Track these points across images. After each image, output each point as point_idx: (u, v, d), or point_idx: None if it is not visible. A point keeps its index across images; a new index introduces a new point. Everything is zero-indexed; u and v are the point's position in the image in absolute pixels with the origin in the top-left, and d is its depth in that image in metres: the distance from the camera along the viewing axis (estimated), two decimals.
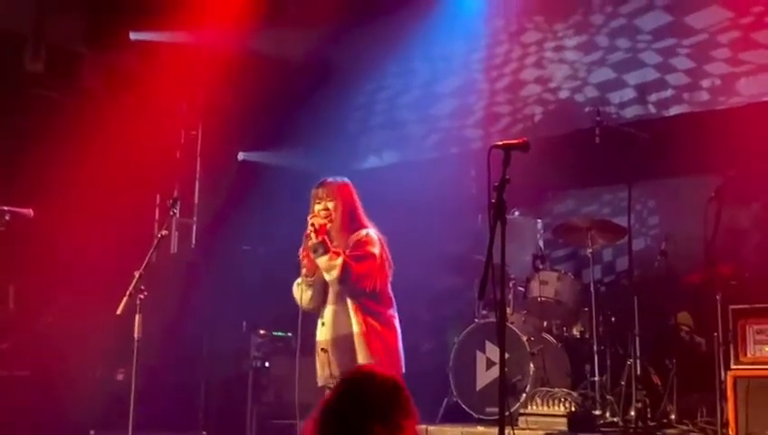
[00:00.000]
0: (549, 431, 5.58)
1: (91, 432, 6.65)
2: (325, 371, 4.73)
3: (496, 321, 3.80)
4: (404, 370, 4.77)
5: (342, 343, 4.67)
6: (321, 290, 4.86)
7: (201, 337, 7.81)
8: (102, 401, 6.95)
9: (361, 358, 4.63)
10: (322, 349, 4.73)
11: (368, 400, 2.19)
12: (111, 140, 7.59)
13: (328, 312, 4.75)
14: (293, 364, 6.59)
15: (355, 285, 4.62)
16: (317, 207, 4.77)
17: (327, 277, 4.65)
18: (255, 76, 8.47)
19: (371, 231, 4.77)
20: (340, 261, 4.56)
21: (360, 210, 4.85)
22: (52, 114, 7.77)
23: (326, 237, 4.61)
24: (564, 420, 5.61)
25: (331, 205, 4.75)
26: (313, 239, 4.60)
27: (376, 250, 4.70)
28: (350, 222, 4.76)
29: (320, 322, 4.80)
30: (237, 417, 7.35)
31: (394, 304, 4.85)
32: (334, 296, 4.73)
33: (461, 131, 8.40)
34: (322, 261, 4.60)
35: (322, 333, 4.76)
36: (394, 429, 2.14)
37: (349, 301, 4.69)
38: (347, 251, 4.64)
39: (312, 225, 4.62)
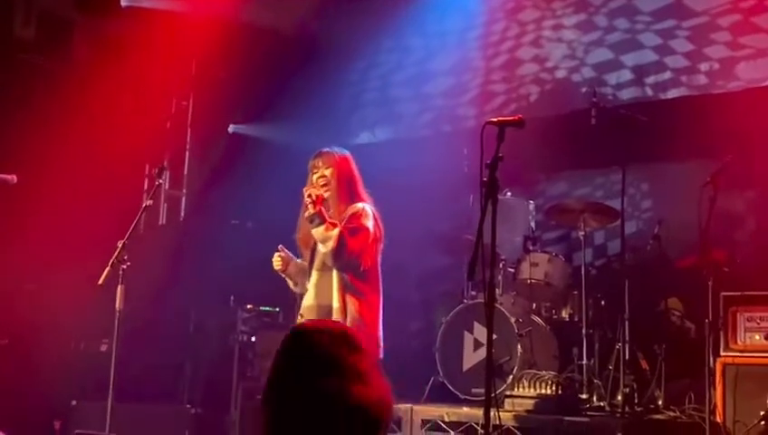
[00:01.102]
0: (535, 414, 5.54)
1: (73, 403, 6.59)
2: None
3: (485, 302, 3.74)
4: (381, 356, 4.72)
5: (319, 313, 4.64)
6: (306, 269, 4.81)
7: (188, 310, 7.76)
8: (85, 372, 6.89)
9: None
10: (300, 314, 4.70)
11: (315, 353, 1.99)
12: (101, 108, 7.51)
13: (313, 278, 4.72)
14: (280, 339, 6.60)
15: (348, 259, 4.57)
16: (314, 177, 4.72)
17: (322, 248, 4.61)
18: (249, 48, 8.37)
19: (367, 205, 4.71)
20: (336, 232, 4.52)
21: (359, 184, 4.79)
22: (41, 81, 7.68)
23: (323, 208, 4.56)
24: (551, 402, 5.57)
25: (328, 172, 4.70)
26: (310, 210, 4.55)
27: (370, 224, 4.65)
28: (348, 193, 4.71)
29: (307, 285, 4.77)
30: (222, 391, 7.31)
31: (380, 286, 4.79)
32: (320, 264, 4.69)
33: (455, 110, 8.31)
34: (318, 232, 4.55)
35: (305, 299, 4.73)
36: (352, 378, 1.98)
37: (334, 273, 4.64)
38: (342, 223, 4.58)
39: (309, 195, 4.58)
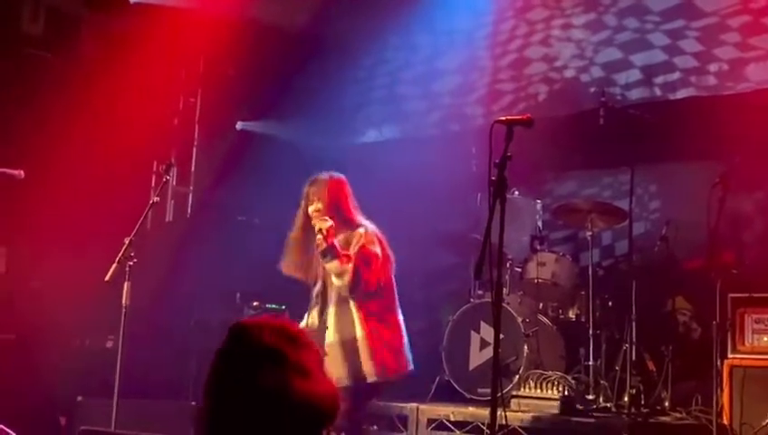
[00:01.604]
0: (541, 414, 5.52)
1: (79, 398, 6.59)
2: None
3: (492, 301, 3.73)
4: (411, 367, 4.72)
5: (346, 347, 4.61)
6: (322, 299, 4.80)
7: (193, 307, 7.75)
8: (91, 368, 6.89)
9: (365, 363, 4.57)
10: (325, 353, 4.63)
11: (255, 350, 1.95)
12: (108, 104, 7.50)
13: (331, 314, 4.68)
14: None
15: (365, 289, 4.57)
16: (310, 209, 4.71)
17: (337, 282, 4.59)
18: (256, 45, 8.36)
19: (368, 229, 4.67)
20: (350, 266, 4.50)
21: (349, 205, 4.75)
22: (48, 77, 7.67)
23: (335, 242, 4.54)
24: (557, 403, 5.55)
25: (320, 206, 4.69)
26: (323, 245, 4.54)
27: (377, 250, 4.64)
28: (339, 221, 4.66)
29: (318, 319, 4.73)
30: None
31: (397, 300, 4.79)
32: (336, 297, 4.67)
33: (463, 108, 8.28)
34: (332, 266, 4.55)
35: (326, 337, 4.68)
36: (294, 373, 1.93)
37: (352, 303, 4.64)
38: (353, 253, 4.55)
39: (320, 230, 4.56)
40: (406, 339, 4.75)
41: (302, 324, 4.83)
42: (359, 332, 4.60)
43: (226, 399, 1.95)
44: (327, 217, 4.62)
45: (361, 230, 4.66)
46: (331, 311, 4.70)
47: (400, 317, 4.77)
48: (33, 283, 7.41)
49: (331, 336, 4.67)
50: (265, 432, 1.92)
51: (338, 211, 4.71)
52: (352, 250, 4.59)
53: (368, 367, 4.57)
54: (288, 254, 4.81)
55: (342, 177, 4.85)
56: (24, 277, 7.37)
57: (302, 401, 1.93)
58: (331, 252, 4.53)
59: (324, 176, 4.81)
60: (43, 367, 6.87)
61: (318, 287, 4.79)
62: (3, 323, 7.09)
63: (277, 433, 1.92)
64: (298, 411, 1.93)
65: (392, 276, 4.76)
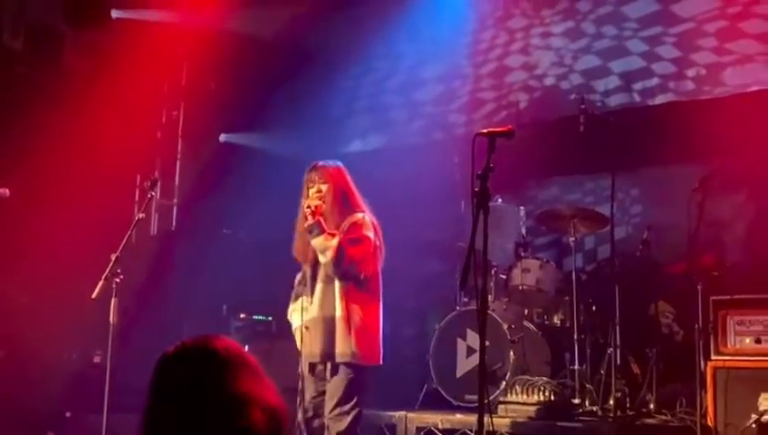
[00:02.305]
0: (528, 420, 5.57)
1: (68, 414, 6.60)
2: (305, 348, 4.74)
3: (477, 309, 3.77)
4: (381, 362, 4.77)
5: (324, 323, 4.70)
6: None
7: (180, 320, 7.75)
8: (79, 384, 6.89)
9: (339, 342, 4.64)
10: (306, 327, 4.73)
11: (191, 381, 1.92)
12: (91, 119, 7.50)
13: (317, 289, 4.76)
14: (273, 348, 6.61)
15: (348, 268, 4.63)
16: (311, 191, 4.77)
17: (321, 259, 4.65)
18: (239, 57, 8.39)
19: (366, 215, 4.77)
20: (335, 242, 4.57)
21: (355, 193, 4.85)
22: (31, 92, 7.67)
23: (321, 218, 4.61)
24: (543, 408, 5.60)
25: (324, 187, 4.76)
26: (310, 220, 4.60)
27: (370, 234, 4.71)
28: (343, 205, 4.77)
29: (309, 299, 4.80)
30: None
31: (380, 294, 4.85)
32: (324, 275, 4.74)
33: (445, 117, 8.34)
34: (318, 242, 4.61)
35: (309, 312, 4.76)
36: (239, 400, 1.91)
37: (336, 284, 4.70)
38: (341, 234, 4.63)
39: (309, 206, 4.63)
40: (381, 333, 4.80)
41: (295, 307, 4.89)
42: (338, 311, 4.67)
43: (169, 429, 1.91)
44: (322, 198, 4.69)
45: (359, 215, 4.75)
46: (318, 288, 4.78)
47: (380, 311, 4.83)
48: (19, 298, 7.40)
49: (313, 311, 4.76)
50: None
51: (344, 196, 4.79)
52: (342, 230, 4.66)
53: (340, 347, 4.63)
54: (295, 239, 4.86)
55: (342, 165, 4.93)
56: (11, 294, 7.35)
57: (255, 429, 1.91)
58: (316, 228, 4.60)
59: (329, 162, 4.89)
60: (30, 382, 6.87)
61: (309, 270, 4.84)
62: None
63: None
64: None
65: (379, 269, 4.82)
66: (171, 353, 2.00)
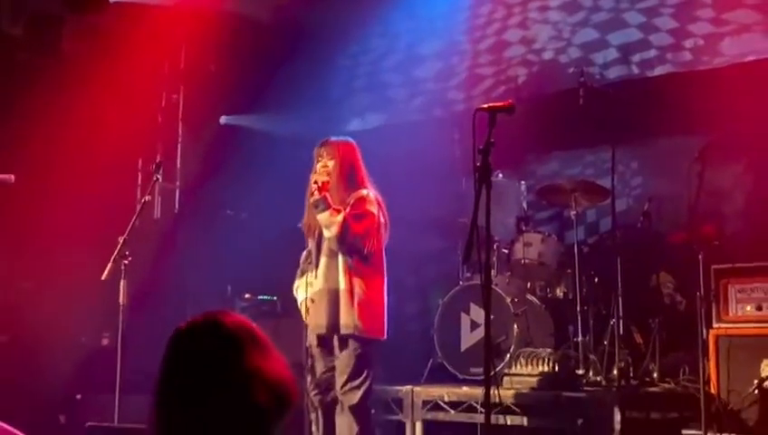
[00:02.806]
0: (533, 391, 5.63)
1: (78, 397, 6.67)
2: (311, 321, 4.81)
3: (481, 283, 3.82)
4: (385, 336, 4.84)
5: (328, 295, 4.77)
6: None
7: (185, 302, 7.81)
8: (88, 367, 6.96)
9: (343, 314, 4.71)
10: (311, 299, 4.80)
11: (201, 358, 1.95)
12: (92, 104, 7.51)
13: (321, 263, 4.83)
14: (278, 328, 6.67)
15: (352, 243, 4.68)
16: (318, 165, 4.81)
17: (326, 233, 4.72)
18: (237, 38, 8.39)
19: (371, 192, 4.82)
20: (340, 218, 4.63)
21: (362, 170, 4.91)
22: (31, 78, 7.67)
23: (327, 194, 4.66)
24: (548, 379, 5.66)
25: (330, 163, 4.81)
26: (315, 195, 4.66)
27: (374, 210, 4.77)
28: (348, 181, 4.82)
29: (314, 273, 4.86)
30: None
31: (385, 269, 4.91)
32: (328, 249, 4.80)
33: (444, 93, 8.36)
34: (323, 217, 4.67)
35: (314, 285, 4.83)
36: (248, 376, 1.94)
37: (340, 258, 4.77)
38: (346, 209, 4.69)
39: (315, 182, 4.69)
40: (386, 309, 4.86)
41: (300, 283, 4.95)
42: (342, 285, 4.74)
43: (189, 411, 1.94)
44: (329, 174, 4.72)
45: (364, 191, 4.81)
46: (322, 262, 4.86)
47: (385, 286, 4.89)
48: (25, 284, 7.45)
49: (318, 284, 4.84)
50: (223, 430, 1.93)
51: (352, 171, 4.85)
52: (347, 205, 4.72)
53: (344, 319, 4.70)
54: (305, 214, 4.94)
55: (353, 141, 4.97)
56: (18, 279, 7.41)
57: (260, 406, 1.94)
58: (322, 203, 4.66)
59: (339, 138, 4.95)
60: (40, 366, 6.93)
61: (314, 243, 4.89)
62: None
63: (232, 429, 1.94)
64: (259, 416, 1.94)
65: (383, 246, 4.88)
66: (183, 329, 2.04)
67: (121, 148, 7.74)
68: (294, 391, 2.02)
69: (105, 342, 7.09)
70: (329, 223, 4.67)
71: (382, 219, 4.84)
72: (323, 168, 4.80)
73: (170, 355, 2.00)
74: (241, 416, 1.92)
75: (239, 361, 1.95)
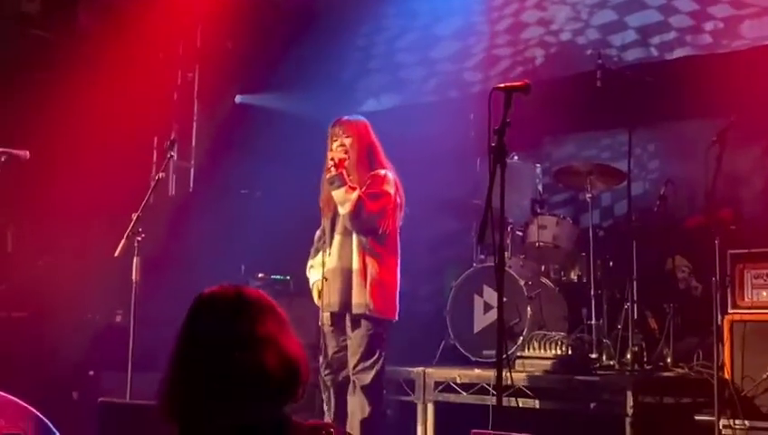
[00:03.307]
0: (545, 374, 5.62)
1: (90, 373, 6.69)
2: (324, 299, 4.80)
3: (495, 265, 3.80)
4: (397, 318, 4.83)
5: (341, 274, 4.75)
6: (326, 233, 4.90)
7: (199, 280, 7.79)
8: (101, 343, 6.98)
9: (355, 294, 4.69)
10: (325, 278, 4.79)
11: (222, 329, 2.04)
12: (108, 81, 7.51)
13: (335, 241, 4.81)
14: (291, 307, 6.67)
15: (367, 222, 4.67)
16: (334, 145, 4.79)
17: (340, 210, 4.71)
18: (253, 17, 8.36)
19: (389, 172, 4.80)
20: (354, 195, 4.61)
21: (379, 149, 4.88)
22: (47, 55, 7.68)
23: (344, 171, 4.63)
24: (561, 362, 5.64)
25: (347, 141, 4.78)
26: (332, 172, 4.63)
27: (391, 190, 4.74)
28: (368, 160, 4.80)
29: (328, 251, 4.85)
30: None
31: (398, 250, 4.89)
32: (342, 228, 4.79)
33: (460, 74, 8.30)
34: (338, 194, 4.65)
35: (328, 263, 4.82)
36: (262, 340, 2.02)
37: (354, 237, 4.75)
38: (363, 188, 4.66)
39: (332, 159, 4.66)
40: (398, 290, 4.85)
41: (313, 263, 4.94)
42: (355, 264, 4.73)
43: (193, 373, 2.01)
44: (346, 152, 4.70)
45: (382, 171, 4.78)
46: (336, 240, 4.85)
47: (398, 268, 4.87)
48: (40, 261, 7.48)
49: (332, 262, 4.83)
50: (238, 402, 1.98)
51: (369, 151, 4.82)
52: (365, 184, 4.70)
53: (356, 299, 4.69)
54: (322, 191, 4.92)
55: (366, 120, 4.95)
56: (32, 255, 7.44)
57: (268, 373, 1.99)
58: (338, 179, 4.65)
59: (352, 117, 4.92)
60: (54, 342, 6.97)
61: (329, 221, 4.87)
62: (13, 300, 7.17)
63: (250, 402, 1.99)
64: (266, 382, 1.99)
65: (398, 226, 4.86)
66: (205, 294, 2.12)
67: (137, 125, 7.75)
68: (306, 371, 2.07)
69: (118, 318, 7.11)
70: (343, 200, 4.65)
71: (398, 200, 4.81)
72: (341, 146, 4.77)
73: (193, 317, 2.08)
74: (252, 378, 1.98)
75: (256, 325, 2.03)
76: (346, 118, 4.88)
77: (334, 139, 4.81)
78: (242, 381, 1.97)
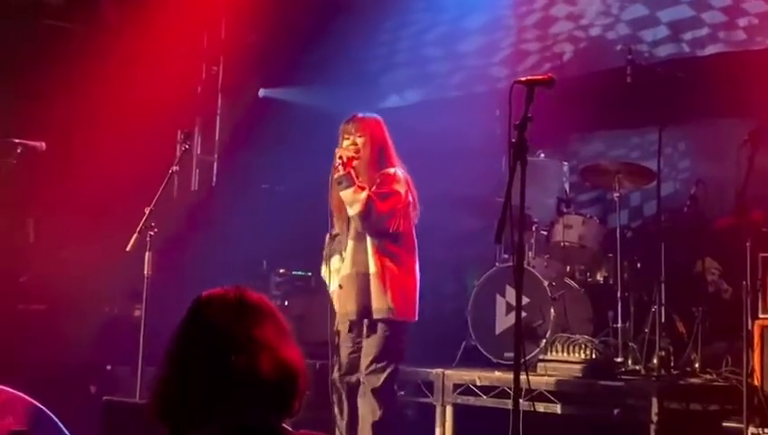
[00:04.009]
0: (568, 378, 5.48)
1: (108, 367, 6.66)
2: (341, 308, 4.68)
3: (513, 265, 3.68)
4: (417, 318, 4.71)
5: (358, 280, 4.62)
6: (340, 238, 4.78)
7: (221, 275, 7.76)
8: (120, 337, 6.95)
9: (375, 299, 4.58)
10: (340, 285, 4.67)
11: (218, 332, 1.99)
12: (131, 74, 7.50)
13: (348, 246, 4.69)
14: (312, 303, 6.60)
15: (377, 223, 4.55)
16: (345, 143, 4.67)
17: (349, 211, 4.58)
18: (277, 11, 8.30)
19: (399, 170, 4.68)
20: (364, 196, 4.48)
21: (391, 148, 4.76)
22: (70, 47, 7.67)
23: (352, 171, 4.52)
24: (584, 366, 5.50)
25: (360, 141, 4.65)
26: (340, 171, 4.51)
27: (402, 189, 4.62)
28: (379, 159, 4.67)
29: (340, 257, 4.74)
30: None
31: (416, 249, 4.78)
32: (355, 232, 4.66)
33: (487, 69, 8.18)
34: (346, 194, 4.52)
35: (342, 269, 4.70)
36: (255, 351, 1.97)
37: (368, 239, 4.63)
38: (373, 188, 4.55)
39: (340, 157, 4.55)
40: (417, 289, 4.73)
41: (326, 271, 4.83)
42: (372, 267, 4.60)
43: (192, 377, 1.98)
44: (357, 152, 4.59)
45: (391, 170, 4.65)
46: (349, 245, 4.70)
47: (416, 267, 4.74)
48: (61, 253, 7.47)
49: (346, 269, 4.69)
50: (228, 407, 1.95)
51: (381, 151, 4.69)
52: (374, 184, 4.58)
53: (377, 304, 4.57)
54: (331, 189, 4.79)
55: (380, 117, 4.83)
56: (53, 248, 7.43)
57: (263, 379, 1.95)
58: (346, 180, 4.51)
59: (366, 114, 4.79)
60: (72, 336, 6.95)
61: (342, 226, 4.77)
62: (33, 293, 7.17)
63: (241, 408, 1.95)
64: (262, 389, 1.95)
65: (412, 225, 4.74)
66: (204, 296, 2.09)
67: (160, 119, 7.70)
68: (304, 382, 2.03)
69: (137, 313, 7.07)
70: (352, 200, 4.52)
71: (410, 198, 4.68)
72: (352, 145, 4.64)
73: (190, 317, 2.06)
74: (245, 382, 1.94)
75: (254, 329, 2.00)
76: (360, 115, 4.75)
77: (346, 136, 4.68)
78: (234, 384, 1.93)
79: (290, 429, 2.00)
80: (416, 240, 4.78)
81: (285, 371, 1.98)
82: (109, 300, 7.36)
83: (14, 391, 3.97)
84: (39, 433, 3.95)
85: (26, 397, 4.10)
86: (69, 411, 4.52)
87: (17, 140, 5.54)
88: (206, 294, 2.09)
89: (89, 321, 7.02)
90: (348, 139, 4.66)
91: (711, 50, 6.93)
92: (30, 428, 3.94)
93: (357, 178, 4.55)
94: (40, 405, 4.11)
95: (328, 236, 4.91)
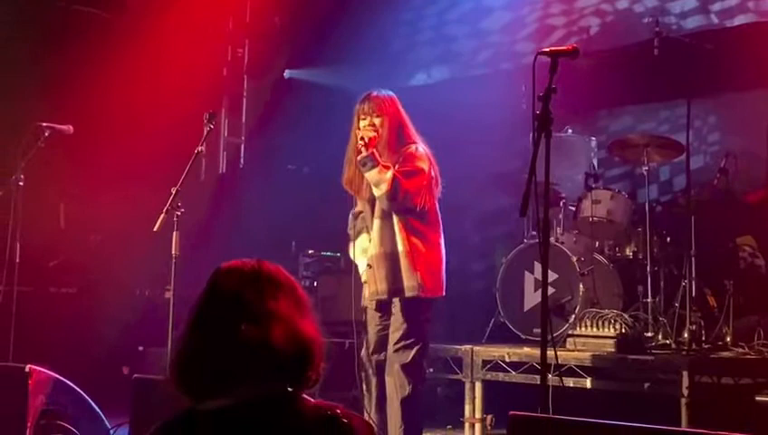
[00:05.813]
0: (598, 353, 5.45)
1: (140, 348, 6.73)
2: (370, 287, 4.67)
3: (539, 240, 3.65)
4: (444, 293, 4.69)
5: (387, 260, 4.60)
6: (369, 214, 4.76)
7: (250, 256, 7.79)
8: (151, 318, 7.01)
9: (405, 277, 4.56)
10: (369, 264, 4.66)
11: (235, 300, 2.01)
12: (157, 58, 7.52)
13: (375, 226, 4.67)
14: (341, 284, 6.61)
15: (403, 201, 4.52)
16: (362, 123, 4.63)
17: (375, 192, 4.55)
18: None
19: (420, 146, 4.64)
20: (389, 175, 4.45)
21: (409, 125, 4.71)
22: (98, 32, 7.73)
23: (375, 151, 4.49)
24: (614, 341, 5.46)
25: (377, 121, 4.60)
26: (363, 152, 4.48)
27: (425, 166, 4.58)
28: (398, 138, 4.63)
29: (367, 236, 4.72)
30: None
31: (441, 225, 4.75)
32: (380, 211, 4.64)
33: (512, 46, 8.11)
34: (371, 175, 4.49)
35: (370, 249, 4.68)
36: (271, 322, 1.98)
37: (395, 218, 4.60)
38: (396, 166, 4.52)
39: (362, 138, 4.51)
40: (444, 265, 4.71)
41: (355, 251, 4.82)
42: (400, 246, 4.57)
43: (205, 347, 1.99)
44: (377, 131, 4.57)
45: (413, 147, 4.61)
46: (376, 224, 4.66)
47: (442, 243, 4.72)
48: (92, 236, 7.54)
49: (374, 248, 4.66)
50: (242, 377, 1.96)
51: (400, 129, 4.65)
52: (397, 162, 4.55)
53: (408, 281, 4.54)
54: (345, 171, 4.77)
55: (395, 95, 4.78)
56: (84, 231, 7.50)
57: (278, 349, 1.95)
58: (370, 160, 4.47)
59: (381, 92, 4.72)
60: (105, 318, 7.02)
61: (360, 207, 4.76)
62: (65, 276, 7.25)
63: (256, 378, 1.95)
64: (275, 359, 1.95)
65: (436, 201, 4.71)
66: (224, 266, 2.12)
67: (187, 102, 7.72)
68: (320, 356, 2.03)
69: (168, 295, 7.12)
70: (378, 181, 4.49)
71: (433, 174, 4.65)
72: (370, 125, 4.61)
73: (208, 288, 2.07)
74: (257, 352, 1.95)
75: (269, 300, 2.01)
76: (375, 94, 4.68)
77: (362, 117, 4.63)
78: (246, 354, 1.94)
79: (309, 398, 2.00)
80: (439, 215, 4.76)
81: (299, 342, 1.98)
82: (140, 282, 7.42)
83: (47, 371, 4.03)
84: (71, 411, 4.01)
85: (58, 376, 4.15)
86: (102, 392, 4.59)
87: (45, 124, 5.59)
88: (225, 265, 2.11)
89: (120, 303, 7.08)
90: (365, 119, 4.62)
91: (740, 20, 6.81)
92: (61, 407, 4.00)
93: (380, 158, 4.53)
94: (72, 384, 4.17)
95: (351, 214, 4.90)
